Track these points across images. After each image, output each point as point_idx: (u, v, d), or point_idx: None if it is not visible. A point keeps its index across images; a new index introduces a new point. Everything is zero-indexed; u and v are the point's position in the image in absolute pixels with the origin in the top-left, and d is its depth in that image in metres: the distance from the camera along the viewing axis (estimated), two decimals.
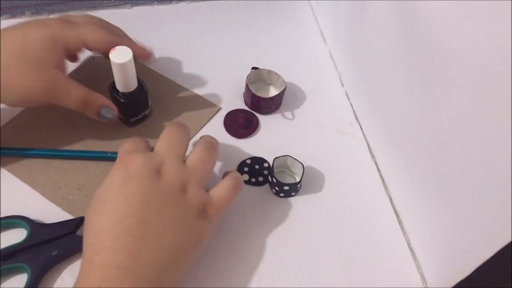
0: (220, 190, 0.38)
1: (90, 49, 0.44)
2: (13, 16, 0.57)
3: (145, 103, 0.48)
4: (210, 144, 0.40)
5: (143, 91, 0.46)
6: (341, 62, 0.58)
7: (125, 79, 0.43)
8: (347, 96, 0.56)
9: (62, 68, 0.42)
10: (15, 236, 0.40)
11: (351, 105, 0.55)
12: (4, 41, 0.39)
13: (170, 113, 0.51)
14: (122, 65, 0.41)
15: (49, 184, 0.44)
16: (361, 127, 0.53)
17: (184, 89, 0.53)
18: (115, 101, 0.45)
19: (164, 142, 0.38)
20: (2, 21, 0.56)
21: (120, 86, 0.44)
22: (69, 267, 0.39)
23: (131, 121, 0.48)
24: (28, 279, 0.37)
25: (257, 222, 0.44)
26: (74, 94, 0.41)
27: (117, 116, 0.45)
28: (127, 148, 0.37)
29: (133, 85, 0.45)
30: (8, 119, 0.47)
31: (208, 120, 0.51)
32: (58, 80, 0.41)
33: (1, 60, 0.38)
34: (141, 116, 0.48)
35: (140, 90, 0.46)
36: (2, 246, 0.38)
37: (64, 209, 0.42)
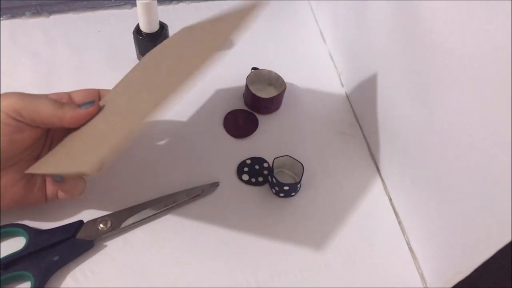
0: None
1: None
2: (13, 16, 0.57)
3: None
4: None
5: (165, 32, 0.51)
6: (341, 62, 0.58)
7: (149, 19, 0.48)
8: (347, 96, 0.56)
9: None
10: (15, 244, 0.39)
11: (351, 105, 0.55)
12: None
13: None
14: (147, 5, 0.47)
15: None
16: (361, 127, 0.53)
17: None
18: (140, 42, 0.50)
19: None
20: (2, 21, 0.56)
21: (144, 27, 0.49)
22: (72, 271, 0.39)
23: None
24: (31, 286, 0.36)
25: (257, 222, 0.44)
26: (44, 105, 0.37)
27: (97, 106, 0.39)
28: None
29: (155, 26, 0.50)
30: None
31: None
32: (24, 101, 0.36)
33: None
34: None
35: (162, 31, 0.51)
36: (2, 255, 0.38)
37: None
